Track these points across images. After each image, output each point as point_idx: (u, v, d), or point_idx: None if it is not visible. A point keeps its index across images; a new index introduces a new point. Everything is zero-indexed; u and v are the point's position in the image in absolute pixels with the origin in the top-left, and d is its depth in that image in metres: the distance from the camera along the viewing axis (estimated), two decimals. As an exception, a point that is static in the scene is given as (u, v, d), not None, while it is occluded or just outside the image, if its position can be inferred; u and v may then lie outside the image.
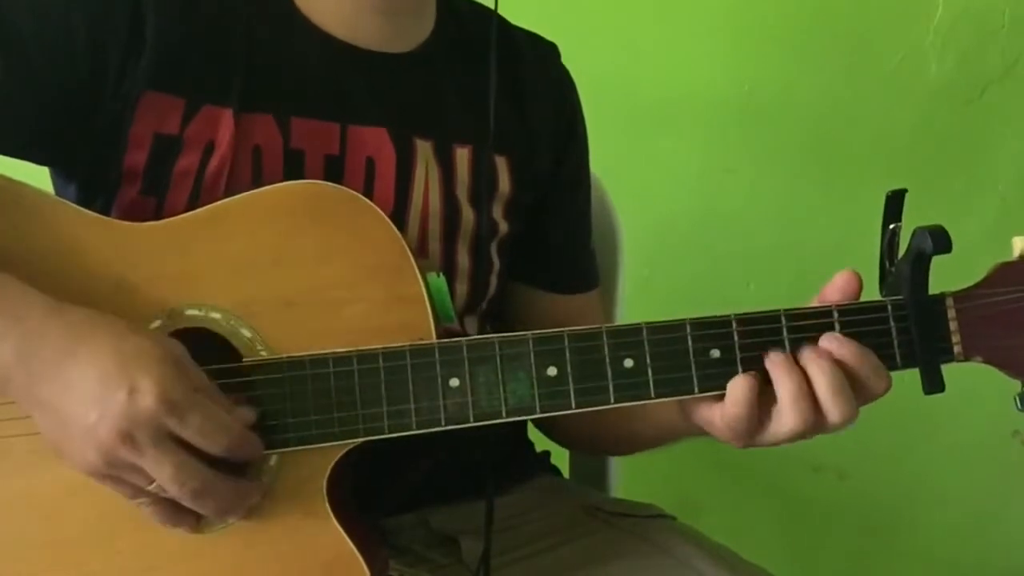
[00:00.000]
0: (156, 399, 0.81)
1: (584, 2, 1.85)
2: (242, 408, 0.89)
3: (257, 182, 1.00)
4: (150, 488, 0.85)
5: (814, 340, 0.90)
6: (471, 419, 0.90)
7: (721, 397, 0.90)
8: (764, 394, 0.90)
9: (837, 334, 0.90)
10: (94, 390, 0.82)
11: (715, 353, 0.90)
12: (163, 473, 0.83)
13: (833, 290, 0.92)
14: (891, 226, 0.92)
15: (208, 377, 0.87)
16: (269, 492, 0.91)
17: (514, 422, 0.92)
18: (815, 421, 0.88)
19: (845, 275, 0.92)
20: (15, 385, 0.85)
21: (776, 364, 0.89)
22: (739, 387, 0.89)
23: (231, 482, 0.87)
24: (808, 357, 0.89)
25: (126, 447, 0.82)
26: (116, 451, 0.82)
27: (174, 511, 0.88)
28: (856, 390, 0.89)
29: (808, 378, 0.88)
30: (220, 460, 0.86)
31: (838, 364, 0.88)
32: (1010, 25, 1.90)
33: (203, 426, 0.84)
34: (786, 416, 0.88)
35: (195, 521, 0.89)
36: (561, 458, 1.33)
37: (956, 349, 0.91)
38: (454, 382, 0.90)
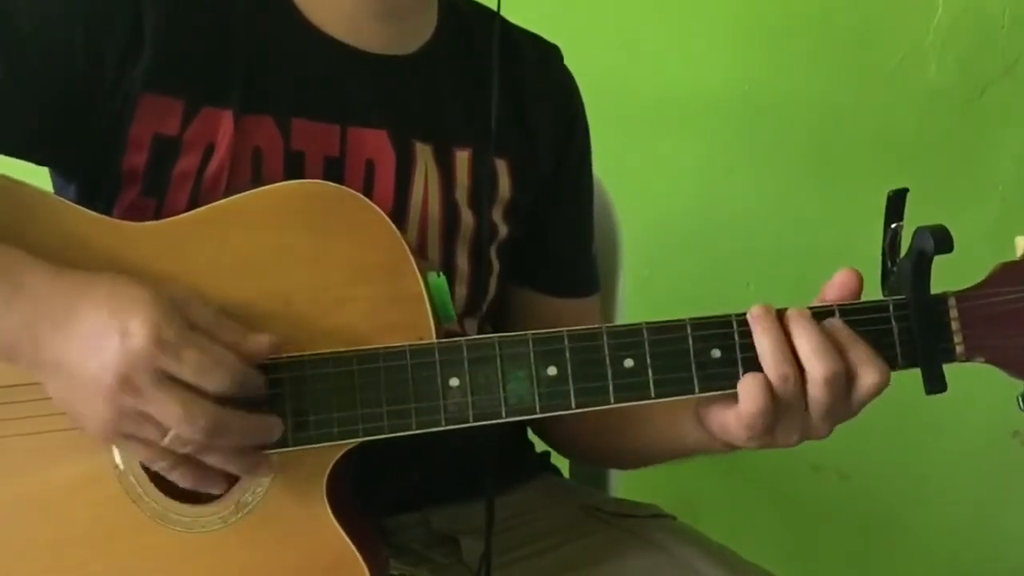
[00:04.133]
0: (147, 340, 0.82)
1: (584, 2, 1.85)
2: (259, 335, 0.88)
3: (257, 184, 0.99)
4: (166, 442, 0.84)
5: None
6: (471, 419, 0.90)
7: (731, 398, 0.90)
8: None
9: (837, 320, 0.90)
10: (92, 341, 0.83)
11: (716, 353, 0.90)
12: (171, 414, 0.83)
13: (832, 288, 0.92)
14: (893, 225, 0.92)
15: (216, 313, 0.88)
16: (269, 492, 0.91)
17: (514, 422, 0.91)
18: (796, 375, 0.88)
19: (845, 273, 0.92)
20: (24, 353, 0.86)
21: (755, 318, 0.89)
22: (751, 383, 0.88)
23: (245, 415, 0.87)
24: (791, 318, 0.89)
25: (127, 392, 0.82)
26: (120, 399, 0.83)
27: (201, 471, 0.87)
28: (848, 379, 0.89)
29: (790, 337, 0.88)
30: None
31: (821, 329, 0.88)
32: (1010, 25, 1.90)
33: (200, 363, 0.83)
34: (769, 369, 0.88)
35: (224, 480, 0.89)
36: (561, 458, 1.33)
37: (958, 349, 0.91)
38: (454, 382, 0.90)
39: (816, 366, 0.87)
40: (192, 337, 0.84)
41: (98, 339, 0.83)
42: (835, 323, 0.89)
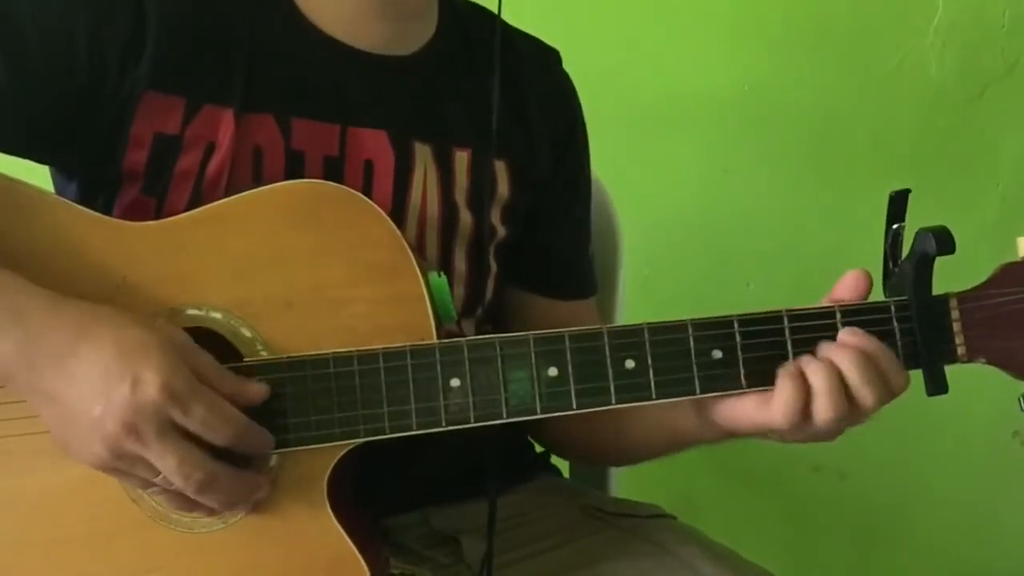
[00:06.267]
0: (159, 390, 0.82)
1: (584, 2, 1.85)
2: (254, 384, 0.89)
3: (257, 182, 1.00)
4: (157, 480, 0.85)
5: (826, 339, 0.91)
6: (471, 419, 0.90)
7: (735, 394, 0.91)
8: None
9: (855, 328, 0.90)
10: (97, 383, 0.83)
11: (717, 354, 0.90)
12: (167, 465, 0.83)
13: (842, 288, 0.93)
14: (895, 226, 0.93)
15: (215, 362, 0.88)
16: (269, 492, 0.91)
17: (515, 422, 0.91)
18: (849, 411, 0.89)
19: (855, 274, 0.93)
20: (18, 381, 0.86)
21: (808, 363, 0.90)
22: (787, 399, 0.89)
23: (237, 474, 0.87)
24: (833, 351, 0.90)
25: (131, 439, 0.82)
26: (122, 444, 0.83)
27: (185, 500, 0.88)
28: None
29: (839, 371, 0.89)
30: (227, 452, 0.86)
31: (864, 354, 0.89)
32: (1010, 25, 1.90)
33: (207, 417, 0.84)
34: (821, 409, 0.89)
35: (208, 509, 0.89)
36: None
37: (960, 350, 0.91)
38: (455, 382, 0.90)
39: (867, 396, 0.89)
40: (199, 389, 0.84)
41: (105, 383, 0.83)
42: (863, 336, 0.90)
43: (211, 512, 0.90)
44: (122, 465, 0.85)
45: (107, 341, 0.84)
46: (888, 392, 0.90)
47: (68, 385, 0.84)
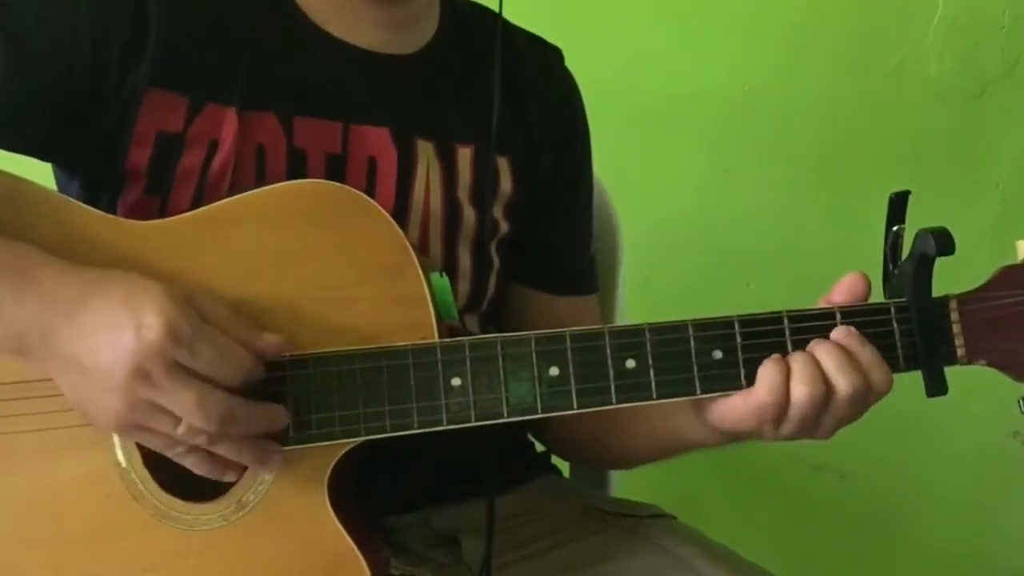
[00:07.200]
0: (162, 332, 0.82)
1: (584, 2, 1.85)
2: (270, 335, 0.89)
3: (260, 181, 1.00)
4: (179, 431, 0.85)
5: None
6: (472, 419, 0.91)
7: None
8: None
9: (848, 327, 0.91)
10: (105, 333, 0.83)
11: (717, 354, 0.90)
12: (185, 404, 0.83)
13: (840, 291, 0.93)
14: (894, 228, 0.93)
15: (227, 309, 0.88)
16: (270, 491, 0.92)
17: (515, 422, 0.92)
18: (825, 395, 0.89)
19: (852, 277, 0.93)
20: (34, 347, 0.86)
21: (791, 354, 0.91)
22: (769, 373, 0.90)
23: (257, 405, 0.87)
24: (814, 343, 0.91)
25: (141, 384, 0.83)
26: (134, 390, 0.83)
27: (214, 459, 0.88)
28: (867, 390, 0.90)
29: (815, 356, 0.90)
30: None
31: (841, 347, 0.90)
32: (1010, 25, 1.90)
33: (214, 357, 0.84)
34: (797, 386, 0.89)
35: (239, 468, 0.90)
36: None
37: (959, 352, 0.91)
38: (456, 381, 0.90)
39: (841, 381, 0.89)
40: (205, 330, 0.85)
41: (112, 332, 0.83)
42: (847, 333, 0.91)
43: (241, 470, 0.90)
44: (141, 418, 0.85)
45: (113, 292, 0.85)
46: (866, 385, 0.90)
47: (81, 341, 0.84)
